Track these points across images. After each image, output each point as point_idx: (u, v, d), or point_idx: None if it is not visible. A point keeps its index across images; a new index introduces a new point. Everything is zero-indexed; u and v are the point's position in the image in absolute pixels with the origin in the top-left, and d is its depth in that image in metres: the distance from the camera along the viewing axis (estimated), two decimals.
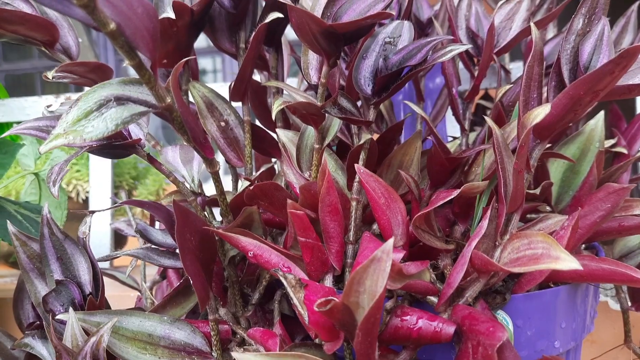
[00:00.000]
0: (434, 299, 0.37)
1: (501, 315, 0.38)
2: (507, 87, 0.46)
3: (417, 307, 0.36)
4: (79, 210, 0.91)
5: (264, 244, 0.37)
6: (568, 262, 0.28)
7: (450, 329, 0.32)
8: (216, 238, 0.40)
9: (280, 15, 0.42)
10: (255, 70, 0.51)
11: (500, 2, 0.50)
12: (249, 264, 0.45)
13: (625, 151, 0.55)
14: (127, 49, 0.26)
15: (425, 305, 0.38)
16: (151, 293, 0.57)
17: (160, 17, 0.43)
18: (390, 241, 0.28)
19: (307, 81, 0.44)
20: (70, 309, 0.36)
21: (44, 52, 0.48)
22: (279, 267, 0.37)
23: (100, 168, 0.90)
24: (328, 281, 0.39)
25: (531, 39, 0.65)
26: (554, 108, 0.34)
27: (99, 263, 0.42)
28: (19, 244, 0.42)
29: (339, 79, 0.43)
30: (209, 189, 0.50)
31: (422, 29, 0.62)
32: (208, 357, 0.39)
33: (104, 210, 0.41)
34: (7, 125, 0.95)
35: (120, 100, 0.29)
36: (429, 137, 0.59)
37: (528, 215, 0.49)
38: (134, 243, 0.99)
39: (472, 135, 0.56)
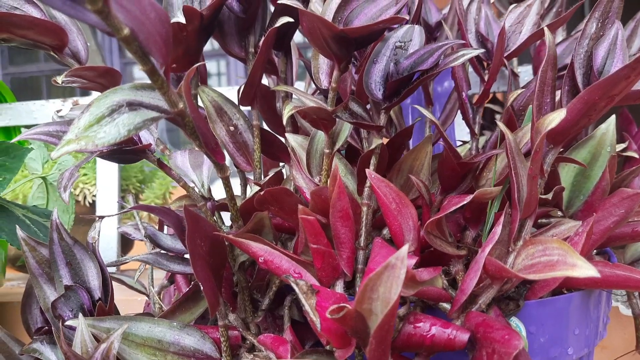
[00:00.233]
0: (446, 306, 0.37)
1: (514, 321, 0.37)
2: (519, 91, 0.46)
3: (429, 314, 0.36)
4: (86, 214, 0.91)
5: (275, 249, 0.37)
6: (585, 270, 0.28)
7: (465, 337, 0.32)
8: (226, 243, 0.40)
9: (291, 20, 0.41)
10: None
11: (512, 6, 0.49)
12: (258, 269, 0.44)
13: (636, 155, 0.55)
14: (140, 54, 0.26)
15: (437, 312, 0.38)
16: (159, 298, 0.57)
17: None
18: (405, 248, 0.28)
19: (317, 86, 0.44)
20: (80, 315, 0.36)
21: (53, 56, 0.48)
22: (289, 273, 0.37)
23: (108, 172, 0.90)
24: (339, 287, 0.38)
25: (540, 42, 0.64)
26: (568, 113, 0.34)
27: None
28: (28, 249, 0.42)
29: (351, 84, 0.43)
30: (214, 192, 0.49)
31: (431, 32, 0.62)
32: None
33: (113, 215, 0.41)
34: (14, 129, 0.95)
35: (132, 105, 0.29)
36: (439, 142, 0.59)
37: (539, 221, 0.49)
38: (140, 247, 0.99)
39: (481, 140, 0.56)
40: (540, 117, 0.36)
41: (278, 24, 0.41)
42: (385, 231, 0.45)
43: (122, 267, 0.94)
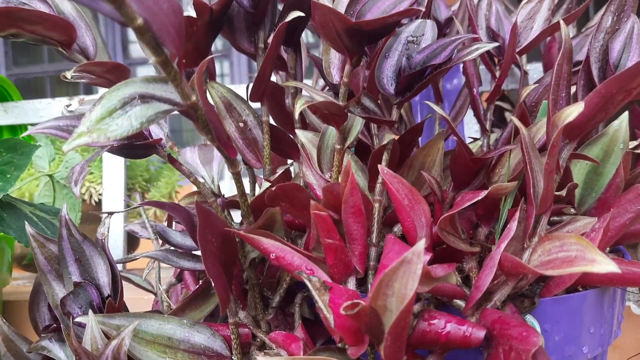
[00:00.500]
0: (460, 303, 0.36)
1: (529, 319, 0.37)
2: (531, 87, 0.45)
3: (443, 311, 0.35)
4: (93, 212, 0.91)
5: (287, 245, 0.36)
6: (605, 265, 0.27)
7: (481, 334, 0.31)
8: (236, 240, 0.40)
9: (302, 14, 0.41)
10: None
11: (524, 2, 0.49)
12: (269, 266, 0.44)
13: None
14: (153, 45, 0.26)
15: (450, 309, 0.37)
16: (167, 296, 0.56)
17: None
18: (422, 243, 0.27)
19: (327, 81, 0.44)
20: (90, 312, 0.36)
21: (61, 52, 0.47)
22: (302, 269, 0.36)
23: (114, 170, 0.89)
24: (351, 284, 0.38)
25: (551, 39, 0.64)
26: (585, 107, 0.33)
27: None
28: (36, 245, 0.42)
29: (363, 79, 0.43)
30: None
31: (440, 29, 0.61)
32: None
33: (122, 212, 0.41)
34: (20, 128, 0.94)
35: (144, 98, 0.28)
36: (448, 139, 0.58)
37: (552, 218, 0.48)
38: (146, 245, 0.99)
39: (492, 137, 0.55)
40: (556, 112, 0.36)
41: (289, 18, 0.41)
42: (397, 228, 0.45)
43: (128, 266, 0.94)
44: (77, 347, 0.34)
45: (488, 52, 0.53)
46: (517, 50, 0.51)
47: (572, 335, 0.38)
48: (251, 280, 0.41)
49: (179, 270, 0.55)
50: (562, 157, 0.36)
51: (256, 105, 0.49)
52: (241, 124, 0.47)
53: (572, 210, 0.49)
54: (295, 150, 0.50)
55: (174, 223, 0.53)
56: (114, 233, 0.88)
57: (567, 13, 0.68)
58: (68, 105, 0.41)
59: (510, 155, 0.42)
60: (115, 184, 0.89)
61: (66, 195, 0.81)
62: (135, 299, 0.78)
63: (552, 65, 0.62)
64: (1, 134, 0.96)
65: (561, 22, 0.36)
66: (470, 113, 0.60)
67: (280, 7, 0.48)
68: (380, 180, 0.40)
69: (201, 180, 0.42)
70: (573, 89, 0.41)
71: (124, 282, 0.57)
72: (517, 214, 0.35)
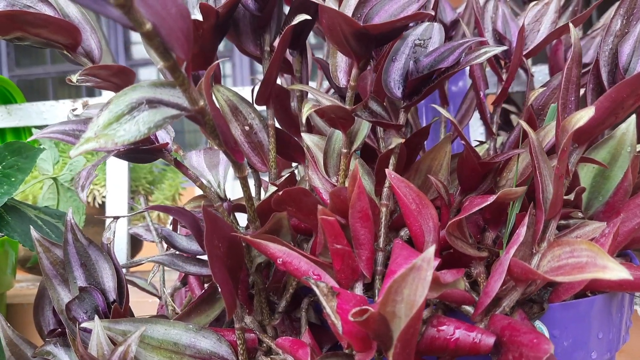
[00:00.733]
0: (468, 309, 0.36)
1: (538, 325, 0.37)
2: (539, 90, 0.45)
3: (451, 317, 0.35)
4: (96, 215, 0.91)
5: (294, 250, 0.36)
6: (617, 272, 0.27)
7: (490, 340, 0.31)
8: (243, 244, 0.39)
9: (308, 17, 0.41)
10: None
11: (532, 4, 0.49)
12: (275, 271, 0.44)
13: None
14: (162, 50, 0.25)
15: (458, 315, 0.37)
16: (171, 300, 0.56)
17: None
18: (432, 249, 0.27)
19: (333, 84, 0.44)
20: (96, 317, 0.36)
21: (66, 55, 0.47)
22: (309, 274, 0.36)
23: (117, 173, 0.89)
24: (358, 289, 0.38)
25: (557, 42, 0.64)
26: (595, 111, 0.33)
27: None
28: (42, 250, 0.41)
29: (370, 82, 0.42)
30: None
31: (446, 31, 0.61)
32: None
33: (127, 216, 0.41)
34: (24, 130, 0.94)
35: (152, 103, 0.28)
36: (454, 141, 0.58)
37: (559, 222, 0.48)
38: (149, 249, 0.99)
39: (498, 141, 0.55)
40: (565, 116, 0.35)
41: (295, 22, 0.41)
42: (403, 232, 0.44)
43: (131, 268, 0.94)
44: (83, 353, 0.34)
45: (495, 54, 0.52)
46: (524, 53, 0.51)
47: (581, 341, 0.38)
48: (257, 285, 0.41)
49: (183, 274, 0.55)
50: (571, 162, 0.36)
51: (261, 108, 0.49)
52: (247, 128, 0.47)
53: (580, 215, 0.49)
54: (301, 153, 0.50)
55: (179, 227, 0.53)
56: (117, 236, 0.88)
57: (573, 15, 0.68)
58: (74, 109, 0.40)
59: (518, 159, 0.42)
60: (119, 187, 0.89)
61: (70, 198, 0.81)
62: (139, 302, 0.78)
63: (558, 67, 0.61)
64: (4, 136, 0.96)
65: (571, 25, 0.35)
66: (473, 116, 0.59)
67: (286, 10, 0.48)
68: (387, 184, 0.40)
69: (207, 184, 0.41)
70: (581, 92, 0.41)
71: (127, 285, 0.57)
72: (526, 219, 0.35)
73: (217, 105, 0.47)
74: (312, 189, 0.45)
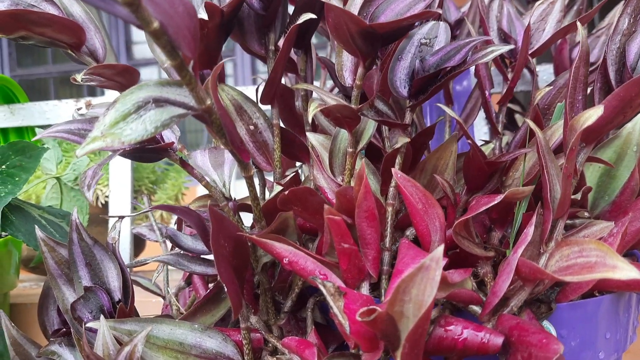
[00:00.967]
0: (476, 309, 0.36)
1: (545, 324, 0.36)
2: (545, 89, 0.45)
3: (459, 317, 0.35)
4: (99, 214, 0.91)
5: (300, 250, 0.36)
6: (627, 272, 0.27)
7: (499, 340, 0.31)
8: (249, 244, 0.39)
9: (314, 16, 0.41)
10: None
11: (537, 3, 0.49)
12: (281, 270, 0.43)
13: None
14: (169, 49, 0.25)
15: (466, 315, 0.37)
16: (176, 299, 0.56)
17: None
18: (440, 249, 0.27)
19: (340, 83, 0.43)
20: (102, 317, 0.35)
21: (70, 54, 0.47)
22: (315, 274, 0.36)
23: (120, 172, 0.89)
24: (364, 289, 0.37)
25: (562, 41, 0.63)
26: (603, 110, 0.33)
27: None
28: (47, 249, 0.41)
29: (376, 82, 0.42)
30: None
31: (450, 30, 0.61)
32: None
33: (131, 215, 0.40)
34: (27, 129, 0.94)
35: (158, 102, 0.28)
36: (459, 141, 0.58)
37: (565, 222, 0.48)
38: (152, 248, 0.99)
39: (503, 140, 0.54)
40: (572, 115, 0.35)
41: (301, 20, 0.40)
42: (409, 231, 0.44)
43: (134, 268, 0.94)
44: (89, 353, 0.34)
45: (500, 53, 0.52)
46: (530, 52, 0.50)
47: (589, 341, 0.38)
48: (263, 285, 0.41)
49: (187, 273, 0.54)
50: (579, 161, 0.36)
51: (265, 107, 0.49)
52: (252, 127, 0.47)
53: (586, 214, 0.49)
54: (306, 153, 0.50)
55: (183, 226, 0.52)
56: (121, 236, 0.88)
57: (577, 14, 0.67)
58: (79, 109, 0.40)
59: (525, 158, 0.42)
60: (122, 186, 0.89)
61: (73, 197, 0.81)
62: (142, 301, 0.77)
63: (564, 66, 0.61)
64: (7, 135, 0.96)
65: (578, 24, 0.35)
66: (477, 115, 0.59)
67: (290, 9, 0.47)
68: (393, 183, 0.40)
69: (212, 183, 0.41)
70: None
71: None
72: (534, 219, 0.34)
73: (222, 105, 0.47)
74: (317, 189, 0.44)
